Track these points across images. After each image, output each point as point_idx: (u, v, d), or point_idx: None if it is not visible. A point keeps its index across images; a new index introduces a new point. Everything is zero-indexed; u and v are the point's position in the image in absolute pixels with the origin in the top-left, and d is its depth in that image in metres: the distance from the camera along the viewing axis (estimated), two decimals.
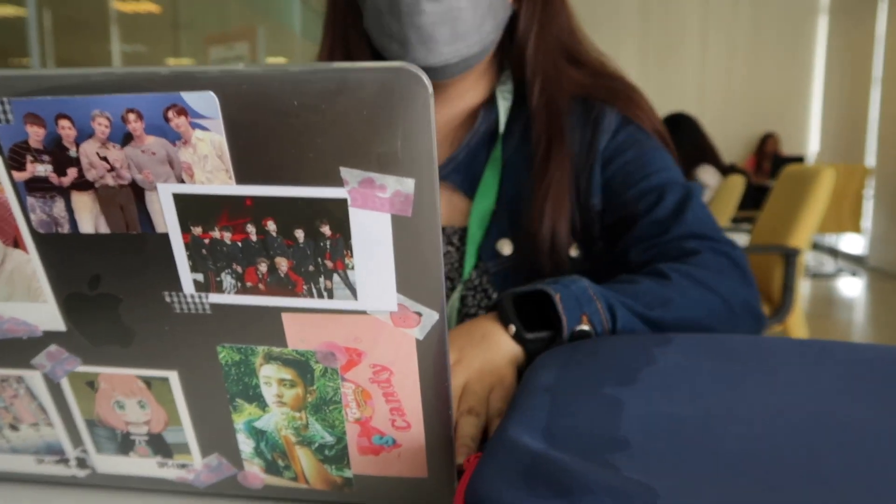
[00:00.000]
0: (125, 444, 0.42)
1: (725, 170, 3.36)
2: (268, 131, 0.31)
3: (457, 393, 0.49)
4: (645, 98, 0.76)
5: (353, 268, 0.34)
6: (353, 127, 0.30)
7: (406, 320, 0.35)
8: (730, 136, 6.41)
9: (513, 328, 0.54)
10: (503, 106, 0.76)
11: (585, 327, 0.53)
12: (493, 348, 0.53)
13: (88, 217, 0.34)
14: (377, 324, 0.35)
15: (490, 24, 0.68)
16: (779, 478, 0.30)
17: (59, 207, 0.34)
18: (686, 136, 3.34)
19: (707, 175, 3.24)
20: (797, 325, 2.28)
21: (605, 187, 0.71)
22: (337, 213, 0.32)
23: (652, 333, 0.57)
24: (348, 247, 0.33)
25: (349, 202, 0.32)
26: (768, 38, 6.86)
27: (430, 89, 0.30)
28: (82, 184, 0.33)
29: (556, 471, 0.31)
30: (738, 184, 3.17)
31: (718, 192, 3.24)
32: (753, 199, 4.14)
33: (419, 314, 0.35)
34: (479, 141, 0.76)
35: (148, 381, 0.39)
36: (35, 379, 0.40)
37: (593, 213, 0.71)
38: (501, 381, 0.51)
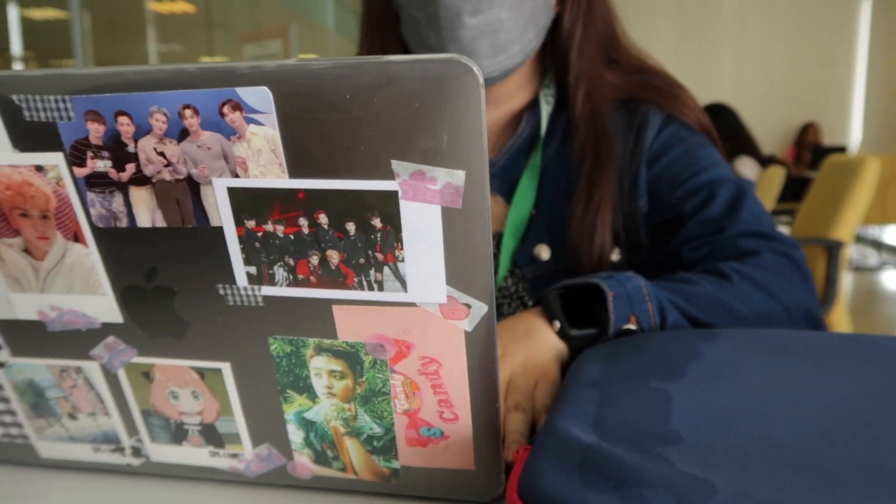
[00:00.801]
0: (178, 434, 0.43)
1: (764, 161, 3.28)
2: (320, 125, 0.31)
3: (502, 388, 0.48)
4: (688, 93, 0.73)
5: (403, 260, 0.34)
6: (405, 119, 0.31)
7: (455, 312, 0.35)
8: (769, 126, 6.26)
9: (557, 324, 0.54)
10: (545, 110, 0.73)
11: (632, 326, 0.53)
12: (536, 343, 0.53)
13: (146, 211, 0.35)
14: (426, 316, 0.36)
15: (532, 32, 0.66)
16: (839, 473, 0.30)
17: (117, 202, 0.35)
18: (724, 127, 3.28)
19: (745, 167, 3.17)
20: (840, 320, 2.23)
21: (651, 187, 0.69)
22: (388, 205, 0.33)
23: (697, 329, 0.56)
24: (399, 239, 0.33)
25: (400, 194, 0.32)
26: (809, 23, 6.66)
27: (481, 80, 0.30)
28: (140, 179, 0.34)
29: (610, 463, 0.30)
30: (777, 175, 3.10)
31: (757, 184, 3.18)
32: (793, 190, 4.04)
33: (468, 306, 0.35)
34: (521, 146, 0.74)
35: (201, 372, 0.40)
36: (93, 369, 0.41)
37: (639, 216, 0.69)
38: (545, 375, 0.51)
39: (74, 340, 0.40)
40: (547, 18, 0.69)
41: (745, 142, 3.25)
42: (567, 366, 0.53)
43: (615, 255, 0.70)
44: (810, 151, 6.15)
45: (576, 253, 0.68)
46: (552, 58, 0.75)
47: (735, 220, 0.64)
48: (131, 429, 0.43)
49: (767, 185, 3.13)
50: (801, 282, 0.60)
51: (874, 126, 6.53)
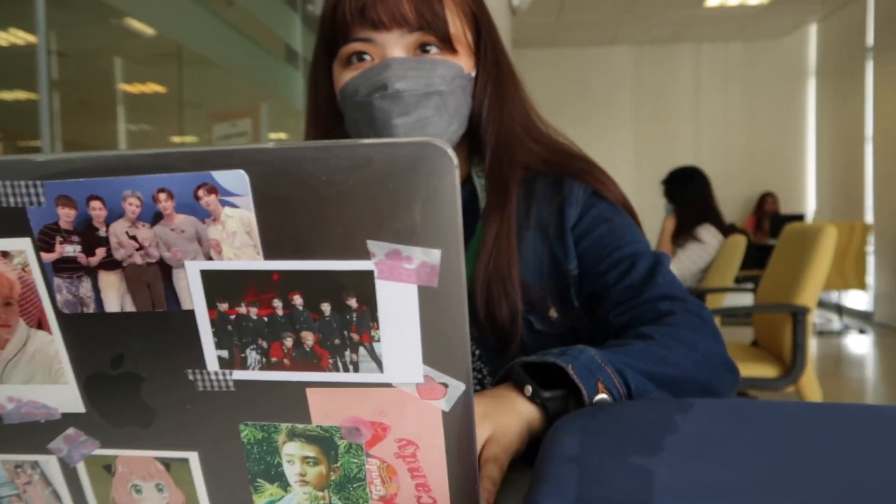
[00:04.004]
0: None
1: (726, 230, 3.37)
2: (295, 207, 0.31)
3: (481, 442, 0.49)
4: (607, 174, 0.81)
5: (379, 340, 0.34)
6: (380, 200, 0.31)
7: (432, 392, 0.35)
8: (728, 196, 6.49)
9: (529, 388, 0.54)
10: (479, 184, 0.80)
11: (604, 396, 0.54)
12: (508, 413, 0.53)
13: (115, 296, 0.34)
14: (403, 396, 0.35)
15: (456, 124, 0.75)
16: None
17: (85, 287, 0.34)
18: (696, 190, 3.37)
19: (708, 235, 3.25)
20: (810, 385, 2.24)
21: (581, 260, 0.77)
22: (364, 285, 0.32)
23: (667, 398, 0.59)
24: (375, 319, 0.33)
25: (376, 274, 0.32)
26: (761, 100, 7.03)
27: (456, 161, 0.31)
28: (110, 263, 0.33)
29: None
30: (739, 243, 3.18)
31: (721, 252, 3.25)
32: (756, 258, 4.14)
33: (445, 385, 0.35)
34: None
35: (167, 463, 0.38)
36: (50, 463, 0.39)
37: (570, 277, 0.76)
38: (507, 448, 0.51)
39: (32, 433, 0.38)
40: (468, 109, 0.77)
41: (711, 210, 3.33)
42: (539, 434, 0.54)
43: (553, 314, 0.76)
44: (769, 220, 6.37)
45: (491, 310, 0.73)
46: (475, 138, 0.82)
47: (652, 286, 0.72)
48: None
49: (730, 253, 3.20)
50: (711, 335, 0.69)
51: (826, 195, 6.80)
